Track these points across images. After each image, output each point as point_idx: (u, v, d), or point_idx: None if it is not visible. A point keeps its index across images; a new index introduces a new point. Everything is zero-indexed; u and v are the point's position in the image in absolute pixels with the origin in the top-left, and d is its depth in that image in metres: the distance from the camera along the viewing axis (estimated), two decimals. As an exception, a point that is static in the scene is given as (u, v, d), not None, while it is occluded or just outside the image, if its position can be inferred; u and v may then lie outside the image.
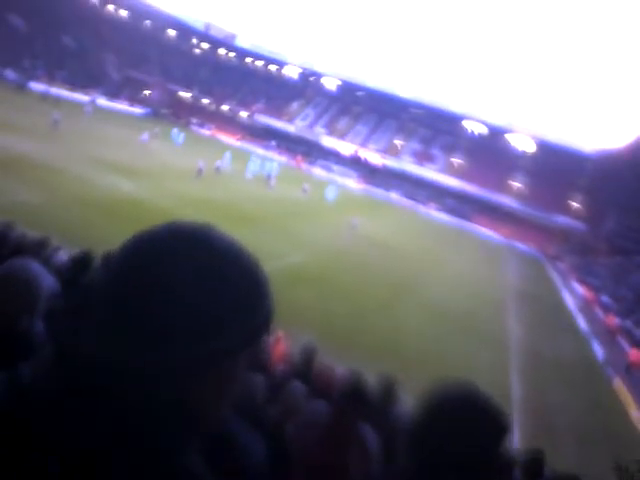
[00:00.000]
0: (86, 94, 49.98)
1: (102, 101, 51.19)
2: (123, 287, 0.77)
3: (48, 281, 2.09)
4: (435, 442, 1.28)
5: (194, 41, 72.81)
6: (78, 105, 44.20)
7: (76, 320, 0.80)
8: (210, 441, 1.25)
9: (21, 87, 42.33)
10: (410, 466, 1.32)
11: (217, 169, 29.72)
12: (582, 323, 24.49)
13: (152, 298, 0.75)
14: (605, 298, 28.36)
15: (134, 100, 60.35)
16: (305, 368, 5.59)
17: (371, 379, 3.40)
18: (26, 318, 2.05)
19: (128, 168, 25.45)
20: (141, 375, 0.74)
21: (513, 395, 13.11)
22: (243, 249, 0.89)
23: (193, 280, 0.77)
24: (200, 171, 29.48)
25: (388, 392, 4.44)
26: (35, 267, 2.11)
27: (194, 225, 0.85)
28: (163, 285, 0.76)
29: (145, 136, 34.94)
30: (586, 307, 27.68)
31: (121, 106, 56.51)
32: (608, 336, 22.69)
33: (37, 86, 45.45)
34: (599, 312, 26.69)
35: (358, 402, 2.88)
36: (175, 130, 43.09)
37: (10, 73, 43.53)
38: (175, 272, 0.77)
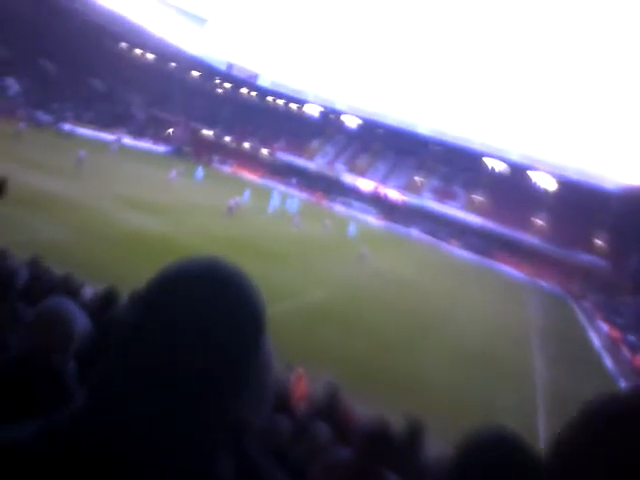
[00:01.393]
0: (112, 133, 51.26)
1: (127, 140, 52.38)
2: (156, 332, 0.78)
3: (82, 320, 2.12)
4: None
5: (217, 81, 74.66)
6: (103, 144, 45.29)
7: (107, 366, 0.81)
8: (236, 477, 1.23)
9: (50, 128, 43.55)
10: None
11: (230, 208, 29.89)
12: (609, 363, 23.92)
13: (184, 343, 0.77)
14: (631, 338, 27.72)
15: (158, 139, 61.67)
16: (329, 408, 5.51)
17: (393, 419, 3.33)
18: (59, 357, 2.07)
19: (151, 205, 25.84)
20: (173, 432, 0.76)
21: (539, 434, 12.75)
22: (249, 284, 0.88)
23: (217, 321, 0.80)
24: (231, 209, 29.99)
25: (414, 435, 4.34)
26: (70, 306, 2.14)
27: (216, 262, 0.87)
28: (193, 329, 0.78)
29: (173, 174, 35.56)
30: (612, 346, 27.06)
31: (145, 144, 57.76)
32: (636, 376, 22.08)
33: (65, 127, 46.75)
34: (626, 352, 26.06)
35: (384, 448, 2.82)
36: (200, 169, 43.80)
37: (40, 115, 44.86)
38: (205, 315, 0.79)
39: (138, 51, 68.79)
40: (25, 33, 49.35)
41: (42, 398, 1.89)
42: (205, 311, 0.80)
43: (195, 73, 73.37)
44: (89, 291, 7.68)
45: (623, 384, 20.61)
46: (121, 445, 0.74)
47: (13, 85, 45.69)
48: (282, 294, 17.73)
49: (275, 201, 38.40)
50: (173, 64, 71.13)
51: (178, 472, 0.76)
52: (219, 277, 0.84)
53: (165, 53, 66.81)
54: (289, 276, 20.48)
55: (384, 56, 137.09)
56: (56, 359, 2.07)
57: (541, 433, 13.02)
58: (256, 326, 0.86)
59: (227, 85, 74.71)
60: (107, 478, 0.73)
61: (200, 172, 43.35)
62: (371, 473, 2.74)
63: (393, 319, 19.45)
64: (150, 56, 69.75)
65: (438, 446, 4.89)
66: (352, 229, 37.65)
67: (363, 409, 6.12)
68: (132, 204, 24.69)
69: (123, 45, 66.91)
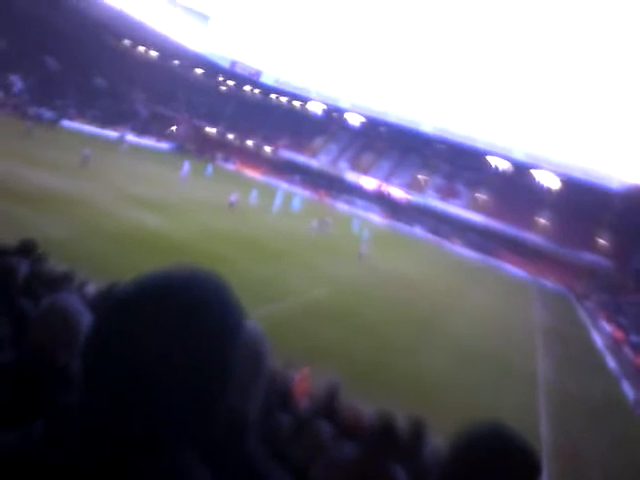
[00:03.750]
0: (115, 130, 51.33)
1: (130, 137, 52.45)
2: (134, 338, 0.80)
3: (86, 317, 2.11)
4: None
5: (220, 79, 74.74)
6: (107, 141, 45.41)
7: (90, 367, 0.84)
8: (236, 476, 1.24)
9: (53, 125, 43.63)
10: None
11: (231, 203, 30.39)
12: (611, 363, 23.88)
13: (163, 348, 0.79)
14: (635, 337, 27.67)
15: (161, 136, 61.76)
16: (330, 406, 5.51)
17: (396, 417, 3.34)
18: (65, 354, 2.07)
19: (155, 202, 25.87)
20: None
21: (541, 434, 12.75)
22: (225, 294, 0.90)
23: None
24: (232, 204, 30.48)
25: (417, 432, 4.35)
26: (74, 303, 2.13)
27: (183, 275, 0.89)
28: (173, 331, 0.80)
29: (184, 172, 36.40)
30: (615, 346, 27.03)
31: (148, 142, 57.86)
32: (638, 377, 22.05)
33: (69, 124, 46.85)
34: (628, 352, 26.01)
35: (389, 442, 2.82)
36: (209, 167, 44.21)
37: (44, 112, 44.93)
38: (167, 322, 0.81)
39: (141, 48, 68.88)
40: (28, 30, 49.47)
41: (48, 396, 1.89)
42: (184, 315, 0.81)
43: (198, 70, 73.44)
44: (92, 288, 7.69)
45: (625, 384, 20.59)
46: (104, 445, 0.76)
47: (17, 82, 45.76)
48: (284, 292, 17.75)
49: (278, 199, 38.45)
50: (176, 61, 71.20)
51: (155, 473, 0.77)
52: (196, 283, 0.86)
53: (168, 50, 66.89)
54: (291, 274, 20.49)
55: (388, 54, 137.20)
56: (61, 357, 2.07)
57: (542, 431, 13.03)
58: (235, 326, 0.87)
59: (230, 83, 74.76)
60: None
61: (209, 170, 43.94)
62: (378, 467, 2.75)
63: (396, 317, 19.45)
64: (153, 53, 69.85)
65: (440, 445, 4.90)
66: (356, 226, 37.74)
67: (365, 407, 6.12)
68: (135, 201, 24.72)
69: (126, 42, 67.00)
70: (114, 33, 62.85)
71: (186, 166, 37.48)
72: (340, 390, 5.91)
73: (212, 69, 71.28)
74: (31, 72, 47.83)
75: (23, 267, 3.84)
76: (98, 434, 0.76)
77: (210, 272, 0.91)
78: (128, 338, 0.79)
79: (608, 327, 31.13)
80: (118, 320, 0.81)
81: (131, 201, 24.55)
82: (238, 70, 70.18)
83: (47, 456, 0.76)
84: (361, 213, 54.24)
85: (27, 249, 6.10)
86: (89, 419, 0.77)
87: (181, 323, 0.81)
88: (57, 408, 0.85)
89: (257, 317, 11.11)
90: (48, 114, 45.10)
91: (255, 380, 1.42)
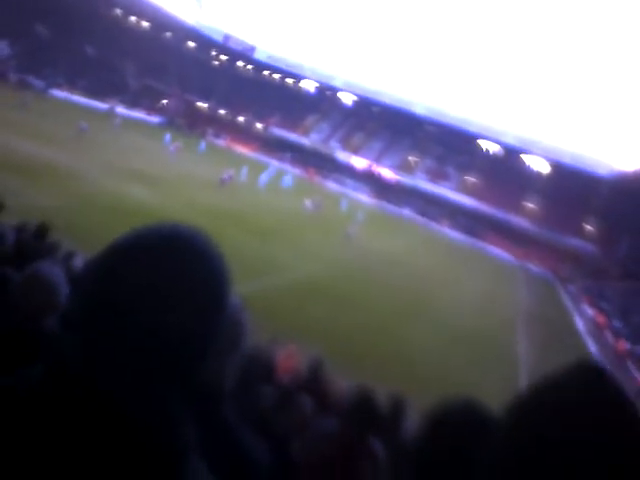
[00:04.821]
0: (105, 102, 50.64)
1: (120, 109, 51.79)
2: (119, 295, 0.81)
3: (65, 286, 2.13)
4: (438, 458, 1.28)
5: (213, 53, 73.66)
6: (97, 113, 44.84)
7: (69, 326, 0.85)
8: (215, 444, 1.27)
9: (42, 94, 42.98)
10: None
11: (223, 181, 30.19)
12: (592, 347, 24.26)
13: (147, 305, 0.80)
14: (617, 323, 28.06)
15: (151, 109, 61.00)
16: (312, 381, 5.58)
17: (379, 394, 3.40)
18: (47, 320, 2.09)
19: (144, 175, 25.69)
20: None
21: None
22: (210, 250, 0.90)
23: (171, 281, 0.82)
24: (223, 181, 30.28)
25: (396, 408, 4.43)
26: (55, 271, 2.15)
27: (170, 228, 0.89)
28: (157, 290, 0.81)
29: (173, 147, 36.08)
30: (596, 331, 27.41)
31: (139, 114, 57.15)
32: (618, 361, 22.42)
33: (58, 93, 46.15)
34: (609, 337, 26.40)
35: (368, 416, 2.88)
36: (202, 143, 43.94)
37: (33, 80, 44.21)
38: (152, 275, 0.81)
39: (133, 18, 67.50)
40: (18, -4, 48.39)
41: (31, 362, 1.90)
42: (168, 273, 0.82)
43: (191, 44, 72.25)
44: (79, 259, 7.66)
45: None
46: (91, 396, 0.77)
47: (4, 48, 44.92)
48: (271, 269, 17.79)
49: (268, 176, 38.25)
50: (169, 33, 69.93)
51: (139, 429, 0.80)
52: (182, 240, 0.86)
53: (161, 22, 65.65)
54: (278, 251, 20.53)
55: (384, 33, 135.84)
56: (49, 321, 2.09)
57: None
58: (220, 289, 0.88)
59: (223, 57, 73.70)
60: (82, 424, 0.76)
61: (202, 146, 43.69)
62: (358, 442, 2.80)
63: (381, 297, 19.58)
64: (145, 24, 68.48)
65: (418, 419, 4.99)
66: (345, 205, 37.74)
67: (348, 383, 6.20)
68: (126, 174, 24.54)
69: (118, 12, 65.64)
70: (106, 2, 61.59)
71: (167, 138, 37.15)
72: (323, 366, 5.97)
73: (205, 43, 70.14)
74: (19, 38, 46.94)
75: (9, 235, 3.83)
76: (93, 370, 0.78)
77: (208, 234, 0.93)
78: (129, 281, 0.80)
79: (590, 312, 31.54)
80: (119, 264, 0.82)
81: (121, 174, 24.37)
82: (232, 45, 69.19)
83: (47, 391, 0.78)
84: (351, 193, 54.16)
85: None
86: (85, 358, 0.79)
87: (184, 269, 0.83)
88: (53, 352, 0.87)
89: (244, 293, 11.13)
90: (36, 82, 44.39)
91: (233, 350, 1.44)
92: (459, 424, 1.30)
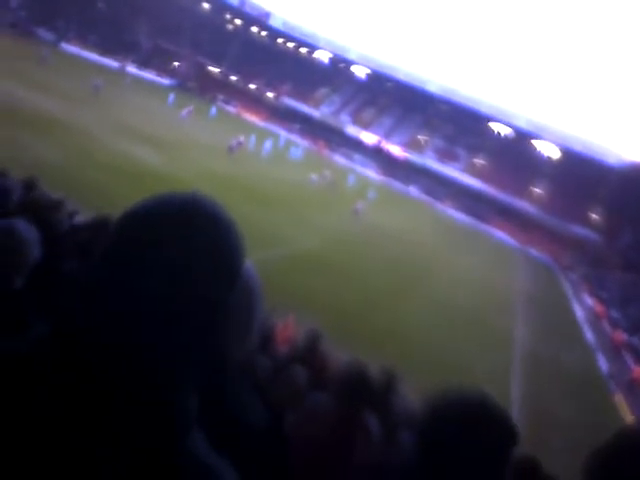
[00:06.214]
0: (115, 60, 50.10)
1: (131, 69, 51.27)
2: (132, 265, 0.80)
3: (36, 244, 2.12)
4: (446, 445, 1.29)
5: (228, 16, 72.52)
6: (108, 71, 44.39)
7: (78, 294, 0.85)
8: (211, 406, 1.28)
9: (53, 47, 42.51)
10: (416, 463, 1.33)
11: (231, 148, 29.97)
12: (589, 335, 24.36)
13: (160, 276, 0.79)
14: (615, 313, 28.14)
15: (162, 70, 60.37)
16: (308, 353, 5.62)
17: (372, 368, 3.43)
18: (19, 279, 2.08)
19: (153, 137, 25.57)
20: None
21: (512, 396, 13.11)
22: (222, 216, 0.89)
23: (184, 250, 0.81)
24: (232, 149, 29.99)
25: (389, 383, 4.48)
26: (23, 227, 2.12)
27: (186, 197, 0.87)
28: (171, 261, 0.80)
29: (185, 112, 35.57)
30: (594, 320, 27.50)
31: (149, 75, 56.60)
32: (614, 351, 22.55)
33: (67, 47, 45.64)
34: (607, 326, 26.50)
35: (361, 391, 2.91)
36: (213, 108, 43.51)
37: (43, 32, 43.67)
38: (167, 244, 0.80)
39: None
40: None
41: (3, 319, 1.91)
42: (182, 245, 0.81)
43: (206, 5, 71.12)
44: (81, 218, 7.67)
45: (601, 357, 21.06)
46: (83, 366, 0.77)
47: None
48: (275, 240, 17.80)
49: (277, 146, 38.05)
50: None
51: (146, 402, 0.80)
52: (198, 210, 0.85)
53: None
54: (282, 222, 20.52)
55: (402, 8, 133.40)
56: (17, 281, 2.08)
57: (513, 394, 13.39)
58: (234, 262, 0.87)
59: (238, 22, 72.62)
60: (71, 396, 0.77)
61: (213, 111, 43.18)
62: (352, 418, 2.84)
63: (383, 273, 19.63)
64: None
65: (413, 400, 5.05)
66: (352, 180, 37.56)
67: (342, 357, 6.25)
68: (134, 135, 24.43)
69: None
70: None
71: (170, 98, 36.69)
72: (320, 339, 6.01)
73: (220, 5, 69.05)
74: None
75: (18, 190, 3.82)
76: (105, 337, 0.78)
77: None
78: (149, 246, 0.80)
79: (590, 300, 31.61)
80: (140, 229, 0.82)
81: (130, 134, 24.27)
82: (247, 9, 68.11)
83: (55, 355, 0.78)
84: (358, 168, 53.88)
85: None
86: (97, 324, 0.79)
87: (204, 236, 0.82)
88: (63, 314, 0.87)
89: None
90: (47, 34, 43.84)
91: (248, 318, 1.42)
92: (466, 416, 1.30)
